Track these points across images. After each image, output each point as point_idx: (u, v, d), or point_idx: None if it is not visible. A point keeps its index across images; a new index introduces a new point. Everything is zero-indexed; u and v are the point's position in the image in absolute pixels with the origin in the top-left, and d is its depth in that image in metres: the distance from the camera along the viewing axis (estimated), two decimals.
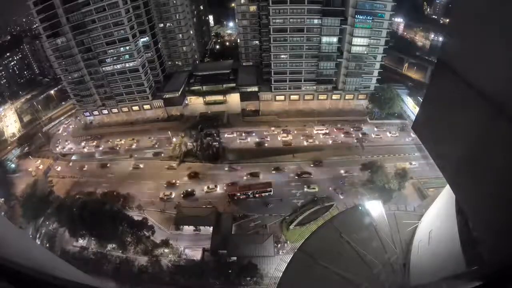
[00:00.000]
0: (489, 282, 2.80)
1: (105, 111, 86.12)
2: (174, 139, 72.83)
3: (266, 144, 70.66)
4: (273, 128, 74.40)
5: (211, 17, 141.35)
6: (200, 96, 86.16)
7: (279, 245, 47.57)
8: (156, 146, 74.11)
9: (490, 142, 4.36)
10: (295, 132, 72.90)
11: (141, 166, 67.86)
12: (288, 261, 13.17)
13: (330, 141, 69.35)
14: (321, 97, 79.18)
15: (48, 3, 68.99)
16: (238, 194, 55.68)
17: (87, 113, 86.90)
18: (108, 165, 69.58)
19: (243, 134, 73.47)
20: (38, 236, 55.48)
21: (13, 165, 77.34)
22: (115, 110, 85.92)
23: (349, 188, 56.55)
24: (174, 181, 61.65)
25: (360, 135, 70.25)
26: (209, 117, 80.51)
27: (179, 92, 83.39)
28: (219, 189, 58.85)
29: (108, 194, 57.66)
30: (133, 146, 75.52)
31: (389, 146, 66.62)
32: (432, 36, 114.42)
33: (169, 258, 47.52)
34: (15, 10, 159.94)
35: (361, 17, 65.14)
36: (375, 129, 72.20)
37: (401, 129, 71.00)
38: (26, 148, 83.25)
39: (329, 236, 13.08)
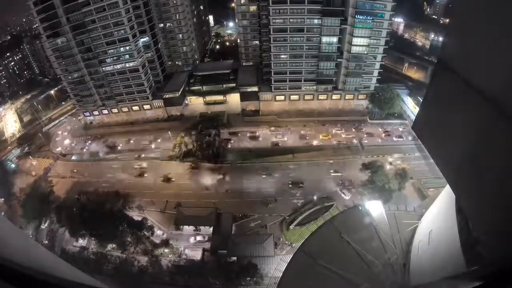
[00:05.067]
0: (489, 282, 2.80)
1: (105, 111, 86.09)
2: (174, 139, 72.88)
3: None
4: (272, 128, 74.49)
5: (211, 17, 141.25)
6: (200, 96, 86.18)
7: (279, 245, 47.53)
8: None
9: (490, 142, 4.36)
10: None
11: (144, 165, 67.99)
12: (288, 261, 13.17)
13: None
14: (321, 97, 79.12)
15: (48, 3, 68.91)
16: None
17: (87, 113, 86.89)
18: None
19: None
20: (38, 236, 55.44)
21: (13, 165, 77.32)
22: (115, 110, 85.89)
23: (349, 188, 56.52)
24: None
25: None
26: (209, 117, 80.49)
27: (179, 92, 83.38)
28: None
29: (108, 194, 57.59)
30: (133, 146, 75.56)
31: (389, 146, 66.64)
32: (432, 36, 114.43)
33: (169, 258, 47.53)
34: (15, 10, 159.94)
35: (361, 17, 65.07)
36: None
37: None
38: (26, 148, 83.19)
39: (329, 236, 13.09)
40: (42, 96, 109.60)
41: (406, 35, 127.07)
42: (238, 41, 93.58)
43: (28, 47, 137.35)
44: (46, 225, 57.39)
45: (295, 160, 63.99)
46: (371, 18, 65.15)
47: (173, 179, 62.79)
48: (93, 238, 50.73)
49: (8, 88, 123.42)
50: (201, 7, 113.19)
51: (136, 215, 53.15)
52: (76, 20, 71.46)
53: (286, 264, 13.10)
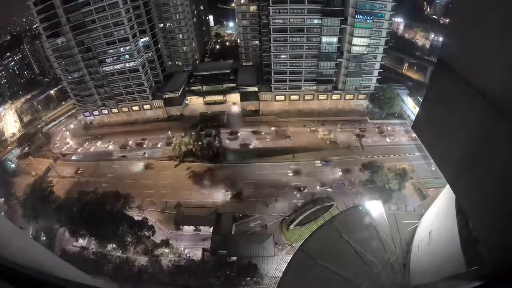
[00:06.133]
0: (489, 282, 2.80)
1: (105, 111, 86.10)
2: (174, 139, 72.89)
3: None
4: (273, 128, 74.44)
5: (211, 17, 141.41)
6: (200, 96, 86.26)
7: (279, 246, 47.48)
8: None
9: (490, 142, 4.36)
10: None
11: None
12: (288, 261, 13.18)
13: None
14: (321, 97, 79.12)
15: (48, 3, 68.95)
16: None
17: (87, 113, 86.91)
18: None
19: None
20: (38, 236, 55.43)
21: (13, 165, 77.31)
22: (115, 110, 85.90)
23: (349, 188, 56.51)
24: None
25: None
26: (209, 117, 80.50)
27: (179, 92, 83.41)
28: None
29: (108, 194, 57.60)
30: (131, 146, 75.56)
31: (389, 146, 66.65)
32: (432, 36, 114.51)
33: (169, 258, 47.53)
34: (15, 10, 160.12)
35: (361, 17, 65.10)
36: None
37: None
38: (26, 148, 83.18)
39: (329, 236, 13.09)
40: (42, 96, 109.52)
41: (406, 35, 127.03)
42: (238, 41, 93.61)
43: (28, 47, 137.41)
44: (46, 225, 57.31)
45: (295, 160, 63.97)
46: (371, 18, 65.17)
47: (172, 179, 62.74)
48: (93, 238, 50.71)
49: (8, 88, 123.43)
50: (201, 7, 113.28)
51: (136, 215, 53.13)
52: (76, 20, 71.48)
53: (286, 264, 13.11)
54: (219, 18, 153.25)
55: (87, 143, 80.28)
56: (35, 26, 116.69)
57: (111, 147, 76.85)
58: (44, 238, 54.92)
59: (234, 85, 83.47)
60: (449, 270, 6.53)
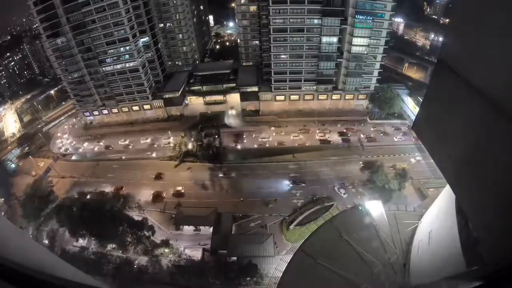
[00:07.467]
0: (489, 282, 2.80)
1: (105, 111, 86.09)
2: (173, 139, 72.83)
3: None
4: (273, 128, 74.41)
5: (211, 17, 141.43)
6: (200, 96, 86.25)
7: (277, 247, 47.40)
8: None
9: (490, 142, 4.36)
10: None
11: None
12: (288, 261, 13.18)
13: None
14: (321, 97, 79.12)
15: (48, 3, 68.95)
16: None
17: (87, 113, 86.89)
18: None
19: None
20: (38, 236, 55.42)
21: (13, 165, 77.29)
22: (115, 110, 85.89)
23: (349, 188, 56.49)
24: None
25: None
26: (209, 117, 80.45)
27: (179, 92, 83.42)
28: None
29: (108, 194, 57.64)
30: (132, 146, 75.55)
31: (389, 146, 66.64)
32: (432, 36, 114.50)
33: (169, 258, 47.53)
34: (15, 10, 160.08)
35: (361, 17, 65.11)
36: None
37: None
38: (26, 148, 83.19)
39: (329, 236, 13.08)
40: (42, 96, 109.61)
41: (406, 35, 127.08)
42: (238, 41, 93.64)
43: (28, 47, 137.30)
44: (46, 225, 57.31)
45: (295, 160, 63.96)
46: (371, 18, 65.18)
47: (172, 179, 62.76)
48: (93, 238, 50.70)
49: (8, 88, 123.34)
50: (201, 7, 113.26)
51: (136, 215, 53.15)
52: (76, 20, 71.46)
53: (286, 264, 13.11)
54: (219, 18, 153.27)
55: (87, 143, 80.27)
56: (35, 26, 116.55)
57: (111, 147, 76.79)
58: (44, 238, 54.88)
59: (234, 85, 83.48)
60: (449, 270, 6.53)
